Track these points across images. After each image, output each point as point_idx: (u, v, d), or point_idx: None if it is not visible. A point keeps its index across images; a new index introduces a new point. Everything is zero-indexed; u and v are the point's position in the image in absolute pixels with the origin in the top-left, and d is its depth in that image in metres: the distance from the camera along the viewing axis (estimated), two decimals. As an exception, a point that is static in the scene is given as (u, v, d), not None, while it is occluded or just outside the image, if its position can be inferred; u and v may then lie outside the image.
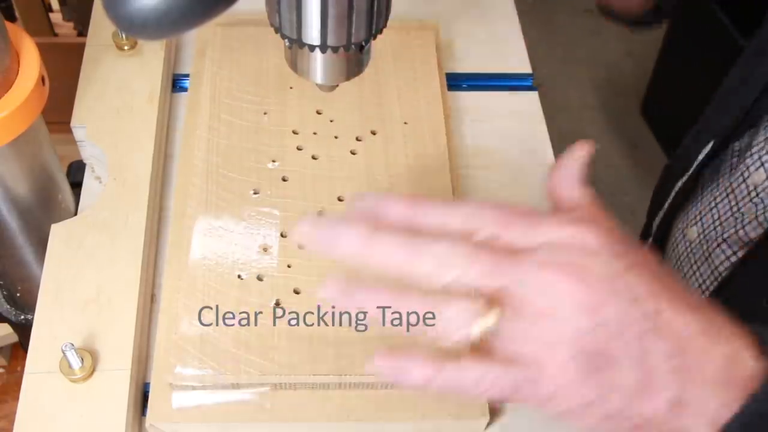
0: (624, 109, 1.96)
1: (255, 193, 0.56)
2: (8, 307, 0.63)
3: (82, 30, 1.31)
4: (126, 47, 0.62)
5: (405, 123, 0.61)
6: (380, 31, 0.45)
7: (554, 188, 0.41)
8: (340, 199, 0.56)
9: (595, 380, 0.34)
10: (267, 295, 0.51)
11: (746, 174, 0.66)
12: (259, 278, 0.52)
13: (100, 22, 0.64)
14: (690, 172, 0.74)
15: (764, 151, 0.64)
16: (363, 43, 0.44)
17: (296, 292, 0.52)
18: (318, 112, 0.61)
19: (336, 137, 0.60)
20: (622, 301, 0.34)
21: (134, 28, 0.37)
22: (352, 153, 0.59)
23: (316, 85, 0.49)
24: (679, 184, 0.77)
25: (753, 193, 0.65)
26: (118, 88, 0.60)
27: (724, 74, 0.71)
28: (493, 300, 0.35)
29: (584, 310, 0.34)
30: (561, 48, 2.17)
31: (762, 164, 0.64)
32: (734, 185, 0.68)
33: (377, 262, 0.36)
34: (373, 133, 0.60)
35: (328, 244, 0.36)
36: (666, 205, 0.77)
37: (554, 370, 0.34)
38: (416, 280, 0.36)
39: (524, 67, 0.70)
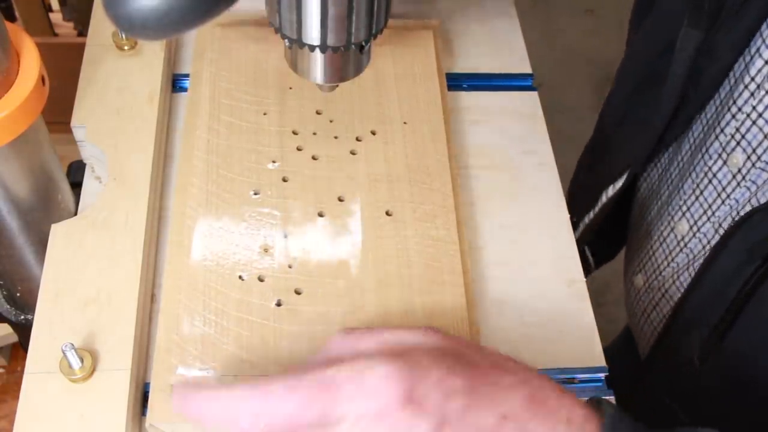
0: (624, 108, 1.95)
1: (255, 194, 0.56)
2: (8, 307, 0.63)
3: (82, 30, 1.31)
4: (126, 47, 0.62)
5: (405, 123, 0.61)
6: (380, 31, 0.45)
7: None
8: (340, 199, 0.56)
9: None
10: (268, 296, 0.51)
11: (672, 224, 0.65)
12: (260, 279, 0.52)
13: (100, 22, 0.64)
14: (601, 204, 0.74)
15: (687, 197, 0.62)
16: (363, 43, 0.44)
17: (297, 292, 0.52)
18: (318, 112, 0.61)
19: (336, 137, 0.60)
20: None
21: (134, 28, 0.37)
22: (352, 153, 0.59)
23: (316, 85, 0.49)
24: (587, 219, 0.76)
25: (682, 243, 0.64)
26: (118, 88, 0.60)
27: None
28: None
29: None
30: (561, 48, 2.17)
31: (683, 214, 0.63)
32: (665, 234, 0.66)
33: None
34: (373, 133, 0.60)
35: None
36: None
37: None
38: None
39: (524, 67, 0.70)
